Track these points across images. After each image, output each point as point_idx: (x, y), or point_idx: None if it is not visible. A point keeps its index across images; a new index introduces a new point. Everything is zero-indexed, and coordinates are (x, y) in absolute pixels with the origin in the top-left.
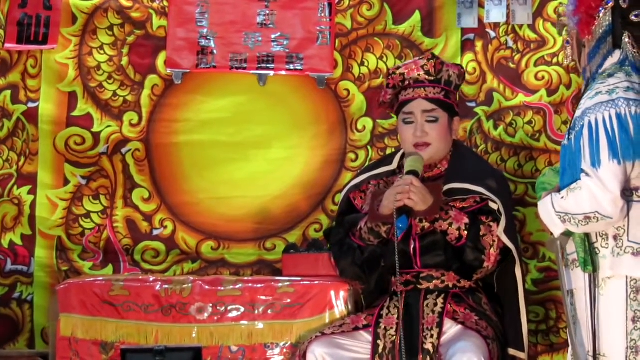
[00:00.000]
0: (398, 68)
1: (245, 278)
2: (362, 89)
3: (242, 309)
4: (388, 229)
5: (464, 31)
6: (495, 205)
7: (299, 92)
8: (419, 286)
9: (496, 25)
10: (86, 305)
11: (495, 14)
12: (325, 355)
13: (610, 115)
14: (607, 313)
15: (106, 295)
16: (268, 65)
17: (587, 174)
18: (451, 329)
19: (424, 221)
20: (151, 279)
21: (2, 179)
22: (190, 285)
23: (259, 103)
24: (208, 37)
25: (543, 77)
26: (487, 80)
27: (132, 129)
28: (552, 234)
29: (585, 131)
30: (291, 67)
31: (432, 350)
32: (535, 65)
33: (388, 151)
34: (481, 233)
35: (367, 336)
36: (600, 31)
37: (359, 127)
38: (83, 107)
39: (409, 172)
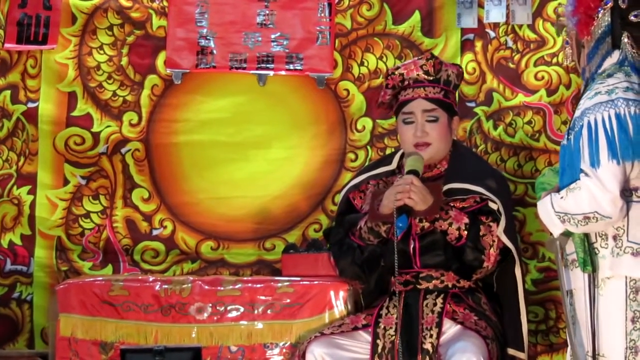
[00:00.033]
0: (397, 68)
1: (245, 278)
2: (362, 89)
3: (242, 309)
4: (388, 228)
5: (464, 31)
6: (495, 205)
7: (298, 92)
8: (418, 286)
9: (496, 25)
10: (86, 305)
11: (495, 14)
12: (324, 355)
13: (610, 116)
14: (606, 313)
15: (106, 295)
16: (268, 65)
17: (586, 174)
18: (450, 328)
19: (424, 221)
20: (151, 279)
21: (1, 179)
22: (189, 285)
23: (259, 103)
24: (208, 37)
25: (543, 77)
26: (486, 80)
27: (132, 129)
28: (551, 234)
29: (585, 131)
30: (291, 67)
31: (431, 350)
32: (535, 65)
33: (388, 151)
34: (481, 233)
35: (366, 336)
36: (599, 31)
37: (359, 127)
38: (83, 107)
39: (409, 172)
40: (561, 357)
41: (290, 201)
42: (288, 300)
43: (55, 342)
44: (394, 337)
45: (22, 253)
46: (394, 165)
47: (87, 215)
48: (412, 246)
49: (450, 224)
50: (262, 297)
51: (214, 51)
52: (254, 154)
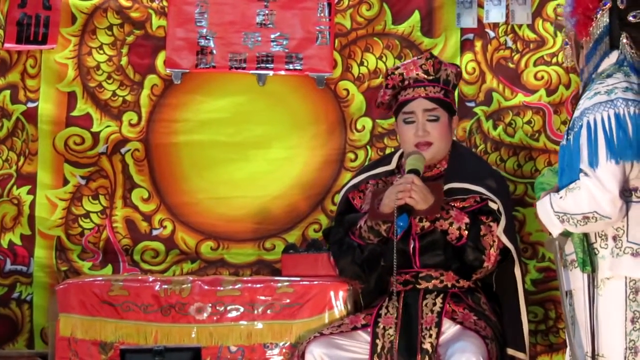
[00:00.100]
0: (397, 68)
1: (245, 278)
2: (362, 88)
3: (242, 309)
4: (388, 227)
5: (463, 31)
6: (495, 205)
7: (298, 92)
8: (417, 286)
9: (495, 25)
10: (85, 306)
11: (495, 14)
12: (323, 355)
13: (609, 116)
14: (606, 313)
15: (105, 295)
16: (267, 65)
17: (585, 174)
18: (450, 328)
19: (425, 220)
20: (150, 279)
21: (1, 179)
22: (189, 285)
23: (259, 103)
24: (207, 37)
25: (542, 77)
26: (486, 80)
27: (132, 128)
28: (550, 234)
29: (584, 131)
30: (290, 67)
31: (430, 350)
32: (535, 65)
33: (387, 151)
34: (482, 233)
35: (365, 336)
36: (598, 32)
37: (359, 127)
38: (82, 107)
39: (410, 171)
40: (561, 357)
41: (290, 201)
42: (288, 301)
43: (55, 342)
44: (393, 337)
45: (22, 253)
46: (393, 165)
47: (87, 215)
48: (411, 246)
49: (450, 224)
50: (262, 297)
51: (214, 51)
52: (253, 154)
